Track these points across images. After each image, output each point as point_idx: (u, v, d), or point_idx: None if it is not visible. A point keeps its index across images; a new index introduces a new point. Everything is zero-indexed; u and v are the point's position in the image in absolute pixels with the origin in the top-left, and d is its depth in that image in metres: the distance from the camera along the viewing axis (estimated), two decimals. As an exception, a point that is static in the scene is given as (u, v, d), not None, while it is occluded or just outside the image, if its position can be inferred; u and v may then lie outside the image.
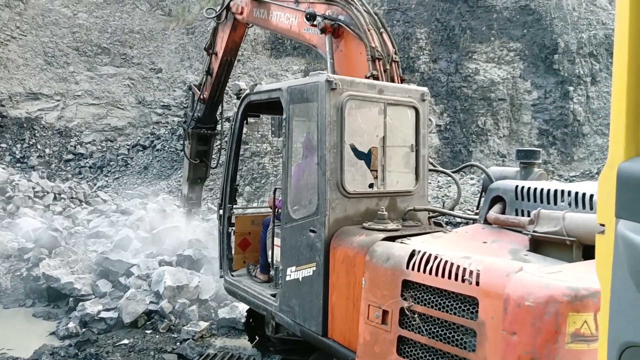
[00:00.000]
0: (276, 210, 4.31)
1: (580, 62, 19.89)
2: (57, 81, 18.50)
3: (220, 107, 7.81)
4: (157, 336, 6.10)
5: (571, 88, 19.59)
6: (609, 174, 1.03)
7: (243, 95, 4.42)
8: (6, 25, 18.21)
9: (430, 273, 2.55)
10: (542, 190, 3.06)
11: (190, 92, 8.20)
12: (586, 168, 17.13)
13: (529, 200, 3.13)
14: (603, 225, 1.06)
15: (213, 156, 8.36)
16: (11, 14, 18.48)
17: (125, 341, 5.91)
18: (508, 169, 4.19)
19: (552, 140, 19.44)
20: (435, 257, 2.58)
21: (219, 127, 8.08)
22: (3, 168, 13.08)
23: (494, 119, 19.53)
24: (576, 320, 2.02)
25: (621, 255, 0.98)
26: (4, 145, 16.67)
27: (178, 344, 5.84)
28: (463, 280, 2.39)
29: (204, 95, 7.54)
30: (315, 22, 4.79)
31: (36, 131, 17.47)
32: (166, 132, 18.01)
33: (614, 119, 1.04)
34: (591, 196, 2.80)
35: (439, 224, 4.24)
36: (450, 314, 2.45)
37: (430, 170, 4.18)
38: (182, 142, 8.28)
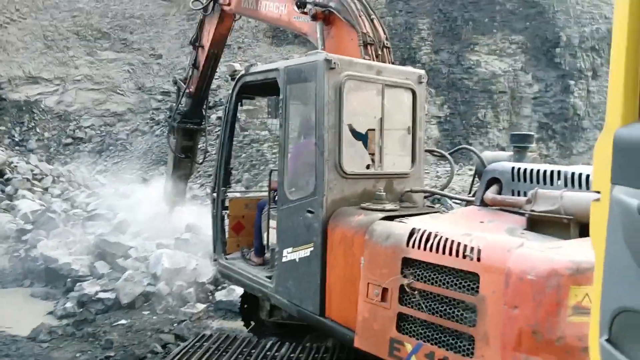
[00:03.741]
0: (273, 192, 4.28)
1: (582, 56, 19.82)
2: (56, 65, 18.36)
3: (205, 102, 7.71)
4: (155, 317, 6.12)
5: (572, 82, 19.54)
6: (606, 140, 1.02)
7: (238, 76, 4.36)
8: (5, 7, 18.03)
9: (430, 250, 2.55)
10: (538, 171, 3.05)
11: (176, 86, 8.08)
12: (585, 162, 17.15)
13: (525, 181, 3.11)
14: (598, 192, 1.06)
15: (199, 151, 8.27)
16: (10, -4, 18.30)
17: (123, 321, 5.93)
18: (501, 153, 4.14)
19: (551, 133, 19.43)
20: (436, 235, 2.58)
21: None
22: (2, 150, 13.02)
23: (494, 112, 19.49)
24: (577, 293, 2.03)
25: (616, 220, 0.99)
26: (3, 128, 16.59)
27: (175, 325, 5.86)
28: (464, 257, 2.39)
29: (190, 89, 7.41)
30: (305, 10, 4.74)
31: (35, 114, 17.38)
32: (165, 118, 17.93)
33: (612, 85, 1.03)
34: (587, 176, 2.79)
35: (431, 207, 4.23)
36: (451, 289, 2.45)
37: (426, 151, 4.16)
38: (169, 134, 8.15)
